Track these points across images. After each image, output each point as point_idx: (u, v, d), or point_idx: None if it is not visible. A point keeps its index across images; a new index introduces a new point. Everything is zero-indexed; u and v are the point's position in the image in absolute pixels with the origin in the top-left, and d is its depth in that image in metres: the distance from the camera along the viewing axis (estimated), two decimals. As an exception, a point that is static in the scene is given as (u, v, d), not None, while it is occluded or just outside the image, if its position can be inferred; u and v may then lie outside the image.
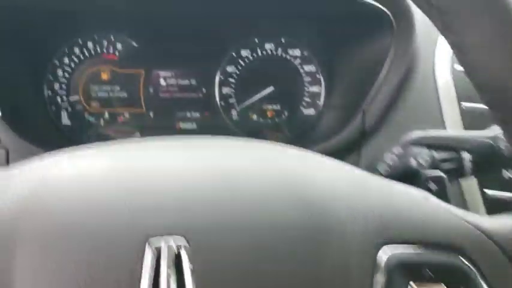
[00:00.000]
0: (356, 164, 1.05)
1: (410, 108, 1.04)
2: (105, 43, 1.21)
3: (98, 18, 1.18)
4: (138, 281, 0.40)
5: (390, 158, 0.79)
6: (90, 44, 1.21)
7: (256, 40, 1.25)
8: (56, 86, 1.20)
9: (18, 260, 0.42)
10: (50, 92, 1.20)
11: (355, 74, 1.12)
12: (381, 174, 0.80)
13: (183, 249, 0.42)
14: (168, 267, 0.41)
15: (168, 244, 0.42)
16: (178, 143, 0.62)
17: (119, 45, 1.22)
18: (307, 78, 1.26)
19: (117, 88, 1.23)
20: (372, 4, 1.00)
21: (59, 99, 1.21)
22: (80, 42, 1.20)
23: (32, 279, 0.41)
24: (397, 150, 0.78)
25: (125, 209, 0.45)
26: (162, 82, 1.25)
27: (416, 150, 0.77)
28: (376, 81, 1.03)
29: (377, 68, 1.03)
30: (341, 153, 1.05)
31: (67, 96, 1.21)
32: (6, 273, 0.41)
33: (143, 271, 0.40)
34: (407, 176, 0.77)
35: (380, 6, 1.00)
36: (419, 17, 1.01)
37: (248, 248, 0.43)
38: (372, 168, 1.03)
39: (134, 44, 1.22)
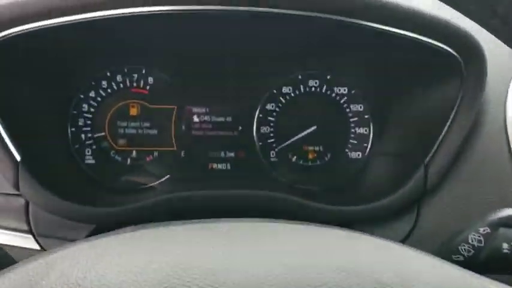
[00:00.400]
0: (414, 225, 0.93)
1: (478, 163, 0.92)
2: (135, 76, 1.11)
3: (129, 50, 1.08)
4: None
5: (475, 238, 0.67)
6: (119, 77, 1.11)
7: (300, 76, 1.15)
8: (81, 121, 1.10)
9: None
10: (73, 128, 1.10)
11: (415, 121, 1.00)
12: (463, 256, 0.68)
13: None
14: None
15: None
16: (244, 235, 0.51)
17: (150, 79, 1.12)
18: (353, 119, 1.15)
19: (147, 125, 1.13)
20: (438, 45, 0.88)
21: (83, 136, 1.10)
22: (108, 74, 1.10)
23: None
24: (484, 230, 0.67)
25: None
26: (195, 119, 1.14)
27: (507, 231, 0.66)
28: (440, 132, 0.91)
29: (442, 117, 0.92)
30: (397, 211, 0.93)
31: (92, 132, 1.11)
32: None
33: None
34: (497, 262, 0.66)
35: (447, 48, 0.88)
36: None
37: None
38: (434, 233, 0.92)
39: (167, 78, 1.12)
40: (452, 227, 0.89)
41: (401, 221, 0.93)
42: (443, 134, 0.91)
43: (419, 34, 0.87)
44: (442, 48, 0.88)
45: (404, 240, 0.92)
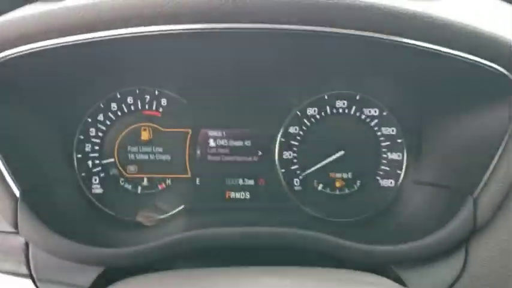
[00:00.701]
0: (462, 269, 0.82)
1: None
2: (147, 98, 1.03)
3: (141, 70, 0.99)
4: None
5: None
6: (129, 99, 1.02)
7: (326, 96, 1.05)
8: (88, 147, 1.02)
9: None
10: (79, 155, 1.01)
11: (458, 148, 0.89)
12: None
13: None
14: None
15: None
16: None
17: (163, 101, 1.03)
18: (385, 143, 1.05)
19: (159, 150, 1.04)
20: (486, 64, 0.77)
21: (90, 163, 1.02)
22: (118, 96, 1.02)
23: None
24: None
25: None
26: (211, 143, 1.05)
27: None
28: (491, 161, 0.80)
29: (492, 144, 0.81)
30: (442, 252, 0.82)
31: (100, 159, 1.02)
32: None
33: None
34: None
35: (497, 66, 0.78)
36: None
37: None
38: (486, 279, 0.81)
39: (181, 99, 1.03)
40: (508, 272, 0.79)
41: (447, 264, 0.82)
42: (494, 163, 0.80)
43: (464, 51, 0.77)
44: (491, 66, 0.77)
45: (451, 287, 0.81)
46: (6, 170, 0.76)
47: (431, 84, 0.91)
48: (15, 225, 0.77)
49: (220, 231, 0.84)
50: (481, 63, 0.77)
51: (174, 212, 1.02)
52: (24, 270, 0.79)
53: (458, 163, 0.89)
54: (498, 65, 0.77)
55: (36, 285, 0.78)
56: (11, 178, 0.77)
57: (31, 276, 0.79)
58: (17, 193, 0.77)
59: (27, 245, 0.79)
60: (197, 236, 0.83)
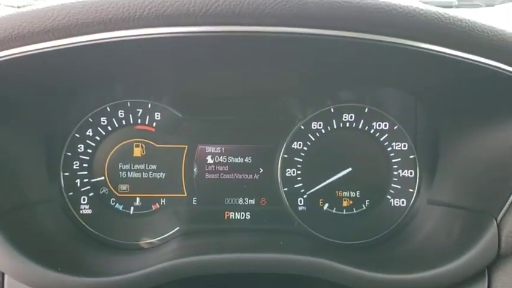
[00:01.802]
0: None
1: None
2: (140, 112, 0.96)
3: (133, 82, 0.92)
4: None
5: None
6: (121, 113, 0.96)
7: (332, 109, 0.98)
8: (75, 164, 0.95)
9: None
10: (67, 173, 0.94)
11: (478, 165, 0.82)
12: None
13: None
14: None
15: None
16: None
17: (157, 115, 0.96)
18: (396, 159, 0.98)
19: (153, 167, 0.98)
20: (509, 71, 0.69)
21: (78, 182, 0.95)
22: (109, 110, 0.95)
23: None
24: None
25: None
26: (209, 160, 0.98)
27: None
28: (514, 182, 0.73)
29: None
30: (461, 282, 0.75)
31: (89, 177, 0.95)
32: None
33: None
34: None
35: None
36: None
37: None
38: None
39: (177, 112, 0.96)
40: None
41: None
42: (517, 184, 0.73)
43: (487, 57, 0.68)
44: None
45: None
46: None
47: (448, 95, 0.84)
48: (-12, 254, 0.69)
49: (219, 258, 0.76)
50: (505, 70, 0.68)
51: (169, 234, 0.95)
52: (-2, 303, 0.71)
53: (478, 182, 0.81)
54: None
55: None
56: None
57: (6, 310, 0.71)
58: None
59: (2, 276, 0.72)
60: (193, 263, 0.75)
